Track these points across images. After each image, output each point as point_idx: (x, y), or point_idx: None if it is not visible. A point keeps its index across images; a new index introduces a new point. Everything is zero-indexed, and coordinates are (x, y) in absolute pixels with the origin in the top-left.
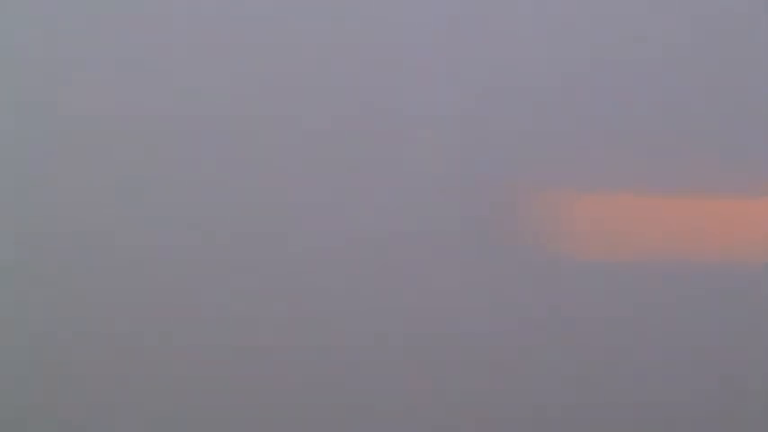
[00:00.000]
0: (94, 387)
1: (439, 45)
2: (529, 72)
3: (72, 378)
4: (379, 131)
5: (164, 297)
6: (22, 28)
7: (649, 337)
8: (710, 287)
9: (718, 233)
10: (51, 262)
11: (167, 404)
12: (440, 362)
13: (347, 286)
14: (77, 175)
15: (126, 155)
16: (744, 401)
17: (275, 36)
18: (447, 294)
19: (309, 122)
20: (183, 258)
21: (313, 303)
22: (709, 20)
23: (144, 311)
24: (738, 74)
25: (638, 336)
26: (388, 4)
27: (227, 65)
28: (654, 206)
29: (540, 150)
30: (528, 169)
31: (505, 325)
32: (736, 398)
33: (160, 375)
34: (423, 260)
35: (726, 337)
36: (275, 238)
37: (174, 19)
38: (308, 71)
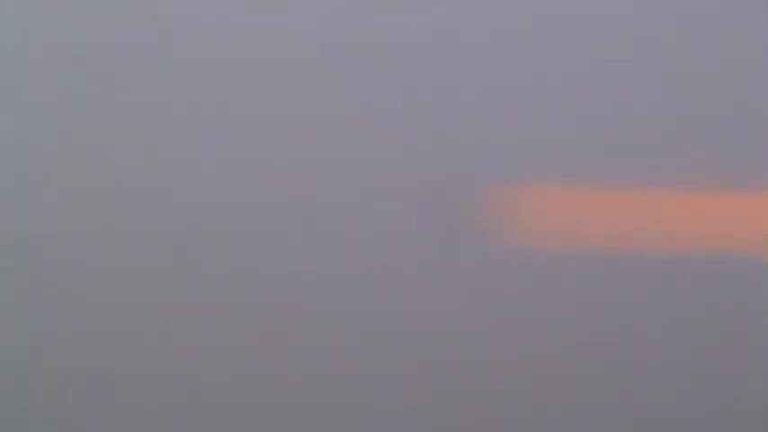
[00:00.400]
0: (94, 387)
1: (439, 46)
2: (529, 72)
3: (72, 378)
4: (375, 132)
5: (164, 297)
6: (22, 28)
7: (649, 335)
8: (709, 285)
9: (718, 232)
10: (51, 262)
11: (167, 404)
12: (437, 361)
13: (341, 286)
14: (77, 175)
15: (126, 155)
16: (744, 401)
17: (275, 36)
18: (444, 294)
19: (308, 122)
20: (183, 258)
21: (311, 303)
22: (708, 20)
23: (144, 312)
24: (738, 74)
25: (637, 334)
26: (387, 6)
27: (225, 66)
28: (654, 206)
29: (539, 150)
30: (527, 169)
31: (504, 324)
32: (736, 398)
33: (160, 375)
34: (418, 260)
35: (726, 335)
36: (271, 238)
37: (175, 19)
38: (309, 71)
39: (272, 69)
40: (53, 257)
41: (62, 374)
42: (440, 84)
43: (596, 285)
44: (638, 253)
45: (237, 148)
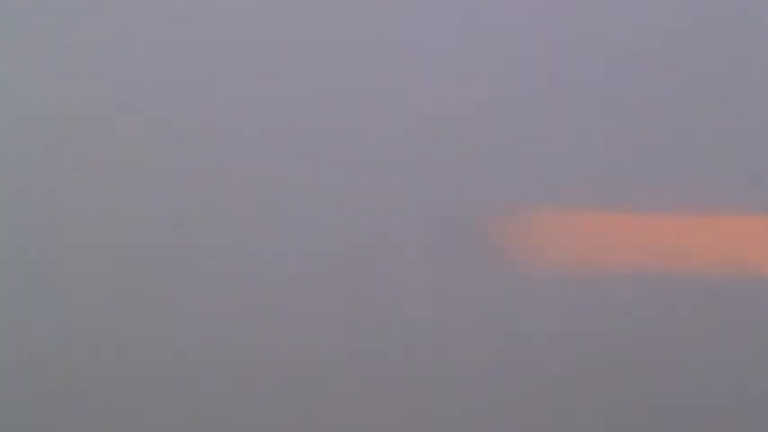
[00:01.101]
0: (95, 388)
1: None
2: (531, 86)
3: (72, 378)
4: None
5: (163, 298)
6: (22, 28)
7: (648, 350)
8: (710, 301)
9: (718, 248)
10: (52, 262)
11: (167, 404)
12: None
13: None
14: (77, 175)
15: (127, 156)
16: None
17: (277, 37)
18: (450, 315)
19: (316, 126)
20: (183, 259)
21: (311, 308)
22: (715, 22)
23: (144, 312)
24: (743, 88)
25: (635, 350)
26: (393, 13)
27: (222, 67)
28: (654, 222)
29: (539, 164)
30: (525, 183)
31: (494, 339)
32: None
33: (159, 376)
34: (414, 271)
35: (726, 351)
36: (274, 240)
37: (173, 19)
38: (317, 75)
39: (274, 71)
40: (54, 257)
41: (62, 375)
42: (440, 97)
43: (590, 301)
44: (635, 267)
45: (236, 150)
